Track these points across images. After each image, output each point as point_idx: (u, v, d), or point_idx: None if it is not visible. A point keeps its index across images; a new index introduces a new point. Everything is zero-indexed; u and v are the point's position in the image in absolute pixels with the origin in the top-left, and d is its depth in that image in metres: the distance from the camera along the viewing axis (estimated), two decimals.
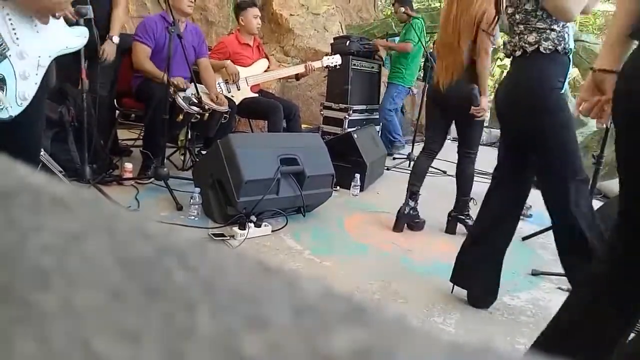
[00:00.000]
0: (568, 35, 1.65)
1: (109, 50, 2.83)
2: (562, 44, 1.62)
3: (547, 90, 1.62)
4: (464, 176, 2.69)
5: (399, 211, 2.66)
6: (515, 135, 1.76)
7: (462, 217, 2.72)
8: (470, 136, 2.66)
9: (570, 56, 1.68)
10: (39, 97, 1.46)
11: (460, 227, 2.73)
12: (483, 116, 2.53)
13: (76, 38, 1.63)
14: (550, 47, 1.62)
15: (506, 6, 1.75)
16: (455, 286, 1.89)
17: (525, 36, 1.65)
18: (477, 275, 1.83)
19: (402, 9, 4.67)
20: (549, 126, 1.62)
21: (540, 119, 1.63)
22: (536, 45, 1.63)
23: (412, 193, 2.70)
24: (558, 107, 1.63)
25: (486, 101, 2.48)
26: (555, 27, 1.62)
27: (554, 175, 1.66)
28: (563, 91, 1.67)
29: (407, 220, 2.68)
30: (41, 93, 1.47)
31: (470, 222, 2.65)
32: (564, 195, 1.64)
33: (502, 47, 1.87)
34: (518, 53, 1.68)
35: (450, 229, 2.75)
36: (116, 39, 2.86)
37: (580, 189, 1.63)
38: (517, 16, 1.68)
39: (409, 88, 4.82)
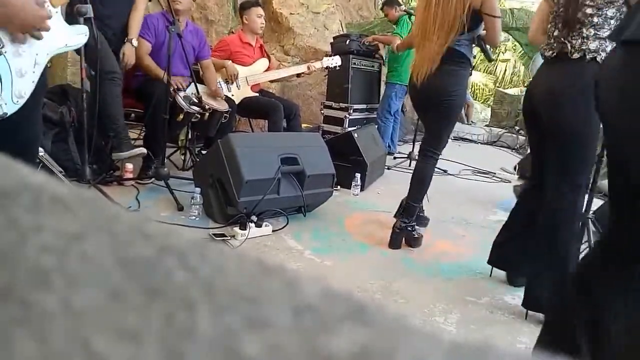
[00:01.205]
0: None
1: (129, 54, 2.78)
2: None
3: (592, 102, 1.68)
4: (421, 177, 2.39)
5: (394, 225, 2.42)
6: (549, 133, 1.79)
7: (409, 227, 2.38)
8: (438, 133, 2.38)
9: None
10: (37, 96, 1.45)
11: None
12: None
13: (76, 36, 1.61)
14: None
15: (583, 4, 1.70)
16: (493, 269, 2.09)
17: (589, 42, 1.67)
18: (519, 261, 1.97)
19: (401, 8, 4.67)
20: (588, 134, 1.70)
21: (584, 125, 1.68)
22: (594, 54, 1.66)
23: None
24: (596, 118, 1.64)
25: None
26: None
27: (569, 179, 1.76)
28: None
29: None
30: (39, 92, 1.46)
31: (415, 234, 2.40)
32: (574, 199, 1.76)
33: (546, 45, 1.82)
34: (576, 55, 1.69)
35: (395, 244, 2.37)
36: (135, 42, 2.82)
37: (581, 199, 1.78)
38: (596, 19, 1.67)
39: (406, 86, 4.75)
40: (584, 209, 2.46)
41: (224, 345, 0.13)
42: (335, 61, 3.93)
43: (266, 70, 3.73)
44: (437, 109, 2.32)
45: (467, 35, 2.23)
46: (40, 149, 2.42)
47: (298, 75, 3.91)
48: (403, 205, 2.45)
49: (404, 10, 4.66)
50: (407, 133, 6.09)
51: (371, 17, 7.58)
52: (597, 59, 1.66)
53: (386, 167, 4.12)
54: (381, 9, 5.32)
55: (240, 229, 2.21)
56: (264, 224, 2.32)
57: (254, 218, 2.28)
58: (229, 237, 2.21)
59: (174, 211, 2.49)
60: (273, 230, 2.37)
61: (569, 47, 1.71)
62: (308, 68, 3.77)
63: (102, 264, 0.15)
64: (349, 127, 4.44)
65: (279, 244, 2.26)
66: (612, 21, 1.65)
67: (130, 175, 2.79)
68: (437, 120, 2.36)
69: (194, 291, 0.15)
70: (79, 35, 1.64)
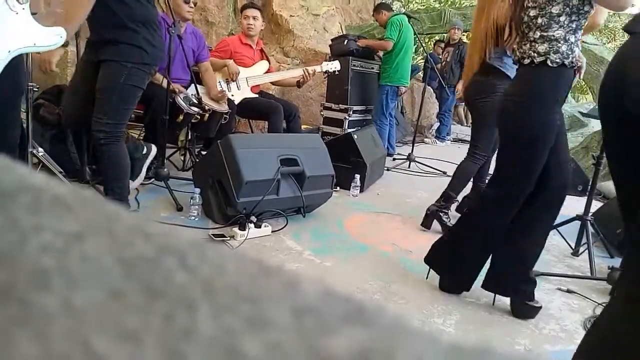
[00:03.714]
0: (578, 47, 1.63)
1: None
2: (570, 58, 1.60)
3: (541, 106, 1.64)
4: (458, 172, 2.74)
5: (464, 197, 2.92)
6: (500, 136, 1.82)
7: (440, 213, 2.70)
8: (475, 134, 2.76)
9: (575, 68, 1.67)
10: (6, 93, 1.38)
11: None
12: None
13: (50, 36, 1.53)
14: (557, 60, 1.59)
15: (527, 7, 1.66)
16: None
17: (537, 45, 1.62)
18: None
19: (387, 12, 4.68)
20: (517, 141, 1.68)
21: (525, 131, 1.66)
22: (544, 57, 1.60)
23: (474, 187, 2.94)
24: (547, 124, 1.65)
25: None
26: (570, 38, 1.59)
27: (497, 182, 1.78)
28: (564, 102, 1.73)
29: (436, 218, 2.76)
30: (8, 87, 1.40)
31: (447, 222, 2.68)
32: (494, 203, 1.75)
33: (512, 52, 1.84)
34: (526, 61, 1.66)
35: (426, 223, 2.74)
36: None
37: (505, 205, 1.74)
38: (540, 20, 1.61)
39: (397, 87, 4.70)
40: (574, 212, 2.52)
41: (224, 346, 0.13)
42: (335, 66, 3.91)
43: (266, 73, 3.73)
44: (476, 113, 2.72)
45: (497, 48, 2.46)
46: (40, 149, 2.42)
47: (298, 85, 3.89)
48: (441, 197, 2.75)
49: (392, 14, 4.65)
50: (407, 135, 6.09)
51: (370, 19, 7.60)
52: (548, 62, 1.60)
53: (385, 169, 4.12)
54: (372, 15, 5.32)
55: (239, 229, 2.21)
56: (264, 224, 2.32)
57: (254, 219, 2.28)
58: (228, 238, 2.20)
59: (174, 212, 2.49)
60: (272, 231, 2.37)
61: (520, 54, 1.69)
62: (303, 73, 3.73)
63: (102, 264, 0.16)
64: (348, 128, 4.44)
65: (279, 245, 2.26)
66: (562, 18, 1.58)
67: None
68: (474, 123, 2.81)
69: (193, 291, 0.15)
70: (54, 35, 1.55)
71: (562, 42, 1.59)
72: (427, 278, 1.99)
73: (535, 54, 1.62)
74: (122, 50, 1.88)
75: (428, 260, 1.96)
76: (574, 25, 1.59)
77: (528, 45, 1.65)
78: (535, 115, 1.63)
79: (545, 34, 1.60)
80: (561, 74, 1.62)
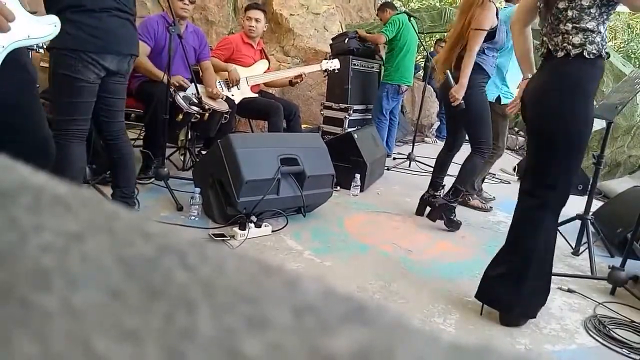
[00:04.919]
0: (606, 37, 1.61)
1: None
2: (604, 48, 1.58)
3: (581, 99, 1.58)
4: (468, 166, 2.83)
5: (421, 197, 2.99)
6: (535, 136, 1.72)
7: (449, 207, 2.77)
8: (471, 129, 2.81)
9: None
10: (13, 92, 1.31)
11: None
12: (454, 102, 2.60)
13: (44, 26, 1.42)
14: (594, 51, 1.55)
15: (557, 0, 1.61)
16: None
17: (571, 37, 1.57)
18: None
19: (391, 11, 4.70)
20: (570, 134, 1.60)
21: (564, 126, 1.60)
22: (580, 49, 1.56)
23: (432, 183, 2.97)
24: (585, 118, 1.60)
25: (460, 89, 2.58)
26: (601, 28, 1.56)
27: (539, 178, 1.67)
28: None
29: (429, 204, 2.87)
30: (24, 90, 1.33)
31: (454, 218, 2.76)
32: (542, 200, 1.65)
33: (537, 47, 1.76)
34: (560, 54, 1.60)
35: (432, 216, 2.80)
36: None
37: (554, 200, 1.65)
38: (570, 12, 1.56)
39: (398, 86, 4.70)
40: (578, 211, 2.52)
41: (225, 345, 0.13)
42: (334, 64, 3.91)
43: (266, 72, 3.74)
44: (450, 109, 2.75)
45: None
46: None
47: (291, 84, 3.89)
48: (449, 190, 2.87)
49: (395, 13, 4.68)
50: (407, 134, 6.09)
51: (371, 18, 7.59)
52: (584, 54, 1.55)
53: (385, 168, 4.12)
54: (377, 14, 5.36)
55: (239, 229, 2.21)
56: (264, 224, 2.32)
57: (254, 218, 2.28)
58: (229, 238, 2.20)
59: (174, 211, 2.49)
60: (273, 231, 2.37)
61: (552, 46, 1.64)
62: (300, 73, 3.75)
63: (102, 264, 0.16)
64: (348, 127, 4.44)
65: (279, 244, 2.26)
66: (593, 10, 1.53)
67: None
68: (459, 117, 2.77)
69: (194, 291, 0.15)
70: (48, 25, 1.43)
71: (596, 33, 1.55)
72: (481, 314, 1.82)
73: (570, 46, 1.57)
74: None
75: (483, 296, 1.79)
76: (605, 16, 1.56)
77: (560, 38, 1.59)
78: (577, 108, 1.59)
79: (577, 25, 1.56)
80: (597, 65, 1.58)
